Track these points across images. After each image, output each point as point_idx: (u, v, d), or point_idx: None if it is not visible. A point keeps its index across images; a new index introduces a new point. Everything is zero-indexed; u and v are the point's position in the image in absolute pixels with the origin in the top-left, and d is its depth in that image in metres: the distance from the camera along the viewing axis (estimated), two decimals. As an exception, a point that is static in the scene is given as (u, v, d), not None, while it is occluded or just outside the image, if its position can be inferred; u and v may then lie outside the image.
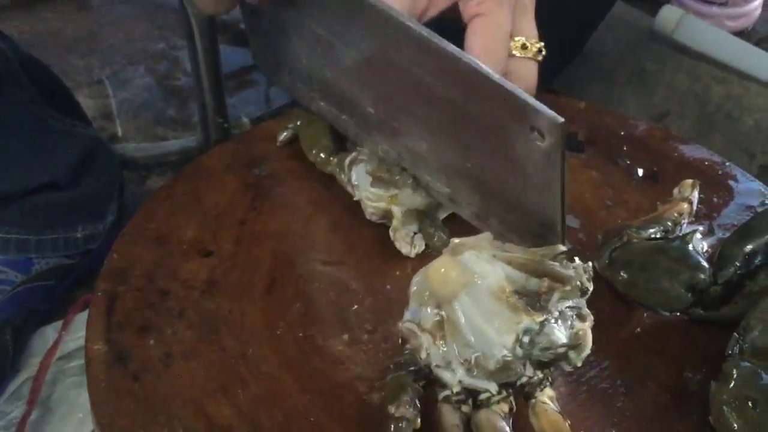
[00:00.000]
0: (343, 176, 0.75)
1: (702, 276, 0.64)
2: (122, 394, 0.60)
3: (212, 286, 0.68)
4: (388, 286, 0.69)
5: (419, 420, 0.54)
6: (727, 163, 0.82)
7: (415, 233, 0.72)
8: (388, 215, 0.72)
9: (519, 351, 0.56)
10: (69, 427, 0.90)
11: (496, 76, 0.60)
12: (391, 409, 0.54)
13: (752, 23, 1.66)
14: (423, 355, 0.58)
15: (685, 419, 0.60)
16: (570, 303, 0.57)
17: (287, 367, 0.62)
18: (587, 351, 0.58)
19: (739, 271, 0.64)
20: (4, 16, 1.57)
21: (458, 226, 0.71)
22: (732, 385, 0.57)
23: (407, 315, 0.60)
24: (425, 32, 0.61)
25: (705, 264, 0.64)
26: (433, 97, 0.65)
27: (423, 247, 0.72)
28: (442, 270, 0.58)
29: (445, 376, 0.58)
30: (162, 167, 1.27)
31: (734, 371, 0.57)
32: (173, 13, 1.58)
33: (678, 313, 0.66)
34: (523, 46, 0.69)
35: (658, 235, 0.68)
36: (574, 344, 0.57)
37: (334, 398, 0.60)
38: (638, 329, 0.66)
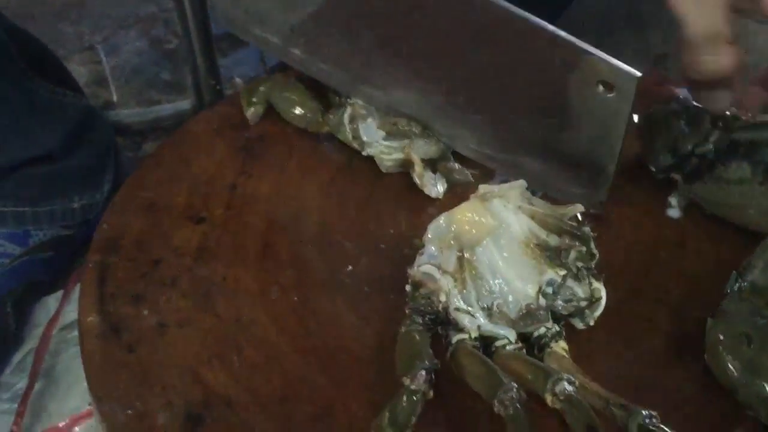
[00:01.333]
0: (346, 133, 0.74)
1: (687, 144, 0.68)
2: (117, 366, 0.59)
3: (204, 253, 0.67)
4: (382, 245, 0.68)
5: (432, 392, 0.54)
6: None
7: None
8: (406, 164, 0.72)
9: (542, 301, 0.57)
10: (73, 397, 0.90)
11: (550, 27, 0.60)
12: (406, 380, 0.53)
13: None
14: (442, 298, 0.58)
15: (689, 365, 0.59)
16: (584, 263, 0.59)
17: (283, 331, 0.61)
18: (601, 309, 0.60)
19: (714, 153, 0.67)
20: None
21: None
22: (728, 322, 0.56)
23: (422, 259, 0.60)
24: None
25: (695, 139, 0.68)
26: (461, 44, 0.65)
27: (446, 187, 0.72)
28: (469, 215, 0.59)
29: (464, 320, 0.58)
30: (157, 132, 1.26)
31: (731, 309, 0.57)
32: (162, -26, 1.56)
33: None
34: None
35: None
36: (594, 299, 0.59)
37: (331, 361, 0.60)
38: (638, 278, 0.65)
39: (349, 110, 0.74)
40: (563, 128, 0.66)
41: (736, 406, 0.55)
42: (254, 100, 0.78)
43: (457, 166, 0.73)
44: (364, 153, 0.74)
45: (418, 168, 0.71)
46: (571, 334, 0.60)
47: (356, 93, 0.74)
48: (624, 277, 0.65)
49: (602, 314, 0.60)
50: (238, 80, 0.80)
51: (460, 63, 0.67)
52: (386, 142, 0.73)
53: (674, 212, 0.69)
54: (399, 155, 0.73)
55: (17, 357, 0.95)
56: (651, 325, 0.62)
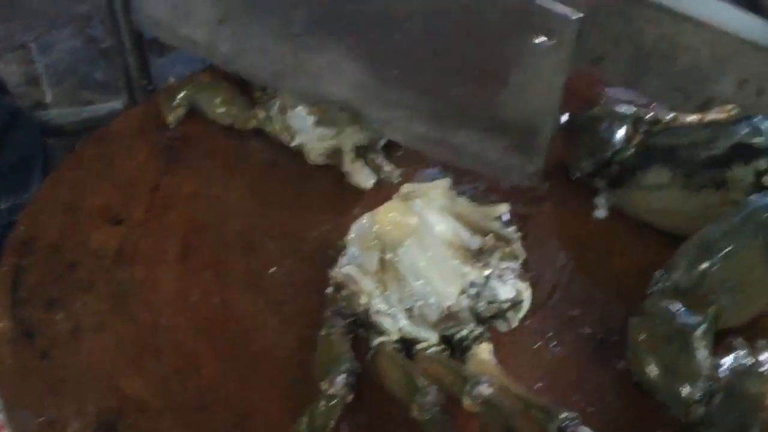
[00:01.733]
0: (275, 125, 0.73)
1: (606, 152, 0.67)
2: (29, 373, 0.58)
3: (123, 255, 0.65)
4: (306, 247, 0.66)
5: (351, 396, 0.53)
6: (653, 105, 0.81)
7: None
8: (336, 154, 0.71)
9: (464, 302, 0.56)
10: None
11: None
12: (324, 385, 0.52)
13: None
14: (363, 300, 0.57)
15: (611, 366, 0.59)
16: (508, 264, 0.58)
17: (202, 335, 0.60)
18: (524, 311, 0.59)
19: (633, 159, 0.67)
20: None
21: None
22: (650, 323, 0.56)
23: (344, 261, 0.59)
24: None
25: (615, 146, 0.68)
26: (396, 12, 0.65)
27: (375, 179, 0.71)
28: (392, 215, 0.58)
29: (386, 322, 0.57)
30: (90, 132, 1.23)
31: (653, 309, 0.56)
32: (93, -29, 1.52)
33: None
34: None
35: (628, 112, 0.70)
36: (517, 301, 0.58)
37: (251, 366, 0.59)
38: (563, 279, 0.65)
39: (278, 102, 0.73)
40: (499, 90, 0.64)
41: (656, 406, 0.55)
42: (175, 103, 0.76)
43: (384, 163, 0.71)
44: (293, 144, 0.72)
45: (347, 156, 0.70)
46: (495, 335, 0.59)
47: (285, 85, 0.73)
48: (549, 277, 0.65)
49: (527, 315, 0.60)
50: (172, 80, 0.78)
51: (395, 32, 0.66)
52: (317, 130, 0.71)
53: (601, 213, 0.69)
54: (330, 143, 0.71)
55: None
56: (575, 326, 0.61)
